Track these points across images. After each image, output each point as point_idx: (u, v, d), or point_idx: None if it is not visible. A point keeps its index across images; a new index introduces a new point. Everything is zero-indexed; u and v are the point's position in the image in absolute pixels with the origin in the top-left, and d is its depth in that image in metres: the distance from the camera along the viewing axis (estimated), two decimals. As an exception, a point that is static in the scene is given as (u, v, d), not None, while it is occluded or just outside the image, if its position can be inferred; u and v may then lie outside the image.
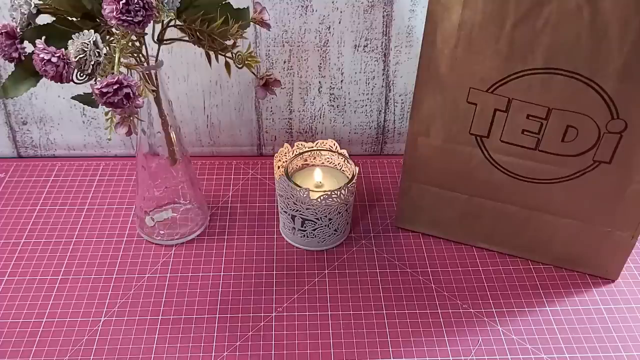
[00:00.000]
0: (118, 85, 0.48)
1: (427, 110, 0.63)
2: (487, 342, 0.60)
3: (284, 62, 0.80)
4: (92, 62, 0.48)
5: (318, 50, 0.79)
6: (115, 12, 0.47)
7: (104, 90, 0.48)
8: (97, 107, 0.54)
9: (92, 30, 0.49)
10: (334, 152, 0.73)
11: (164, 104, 0.62)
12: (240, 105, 0.84)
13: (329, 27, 0.77)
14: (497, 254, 0.70)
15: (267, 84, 0.62)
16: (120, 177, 0.82)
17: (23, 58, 0.52)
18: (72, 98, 0.59)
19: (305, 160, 0.73)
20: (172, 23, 0.56)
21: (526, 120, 0.59)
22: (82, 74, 0.49)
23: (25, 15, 0.52)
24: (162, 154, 0.66)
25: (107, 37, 0.52)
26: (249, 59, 0.59)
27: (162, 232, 0.71)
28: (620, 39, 0.52)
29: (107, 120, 0.51)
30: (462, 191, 0.67)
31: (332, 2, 0.75)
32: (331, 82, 0.82)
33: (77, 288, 0.65)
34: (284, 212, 0.69)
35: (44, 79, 0.50)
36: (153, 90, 0.58)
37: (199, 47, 0.58)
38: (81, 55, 0.48)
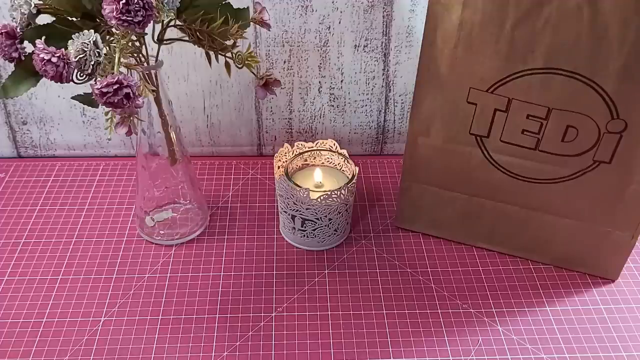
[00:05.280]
0: (118, 85, 0.48)
1: (427, 110, 0.63)
2: (487, 342, 0.60)
3: (284, 62, 0.80)
4: (92, 62, 0.48)
5: (318, 50, 0.79)
6: (115, 12, 0.47)
7: (104, 90, 0.48)
8: (97, 107, 0.54)
9: (92, 30, 0.49)
10: (334, 152, 0.73)
11: (164, 104, 0.62)
12: (240, 105, 0.84)
13: (329, 27, 0.77)
14: (497, 254, 0.70)
15: (267, 84, 0.62)
16: (120, 177, 0.82)
17: (23, 58, 0.52)
18: (72, 98, 0.59)
19: (305, 160, 0.73)
20: (172, 23, 0.56)
21: (526, 120, 0.59)
22: (82, 74, 0.49)
23: (25, 15, 0.52)
24: (162, 154, 0.66)
25: (107, 37, 0.52)
26: (249, 59, 0.59)
27: (162, 232, 0.71)
28: (620, 39, 0.52)
29: (107, 120, 0.51)
30: (462, 191, 0.67)
31: (332, 2, 0.75)
32: (331, 82, 0.82)
33: (77, 288, 0.65)
34: (284, 212, 0.69)
35: (44, 79, 0.50)
36: (153, 90, 0.58)
37: (199, 47, 0.58)
38: (81, 55, 0.48)
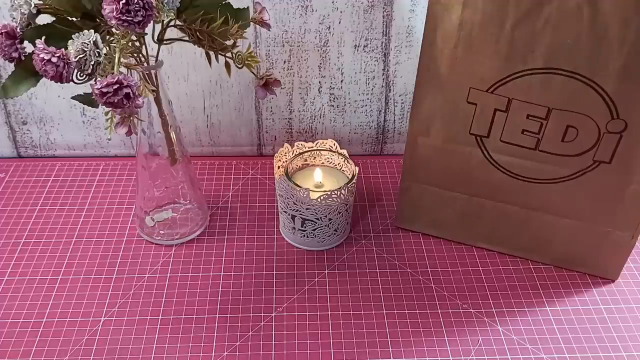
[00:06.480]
0: (118, 85, 0.48)
1: (427, 110, 0.63)
2: (487, 342, 0.60)
3: (284, 62, 0.80)
4: (92, 62, 0.48)
5: (318, 50, 0.79)
6: (115, 12, 0.47)
7: (104, 90, 0.48)
8: (97, 107, 0.54)
9: (92, 30, 0.49)
10: (334, 152, 0.73)
11: (164, 104, 0.62)
12: (240, 105, 0.84)
13: (329, 27, 0.77)
14: (497, 254, 0.70)
15: (267, 84, 0.62)
16: (120, 177, 0.82)
17: (23, 58, 0.52)
18: (72, 98, 0.59)
19: (305, 160, 0.73)
20: (172, 23, 0.56)
21: (526, 120, 0.59)
22: (82, 74, 0.49)
23: (25, 15, 0.52)
24: (162, 154, 0.66)
25: (107, 37, 0.52)
26: (249, 59, 0.59)
27: (162, 232, 0.71)
28: (620, 39, 0.52)
29: (107, 120, 0.51)
30: (462, 191, 0.67)
31: (332, 2, 0.75)
32: (331, 82, 0.82)
33: (77, 288, 0.65)
34: (284, 212, 0.69)
35: (44, 79, 0.50)
36: (153, 90, 0.58)
37: (199, 47, 0.58)
38: (81, 55, 0.48)
